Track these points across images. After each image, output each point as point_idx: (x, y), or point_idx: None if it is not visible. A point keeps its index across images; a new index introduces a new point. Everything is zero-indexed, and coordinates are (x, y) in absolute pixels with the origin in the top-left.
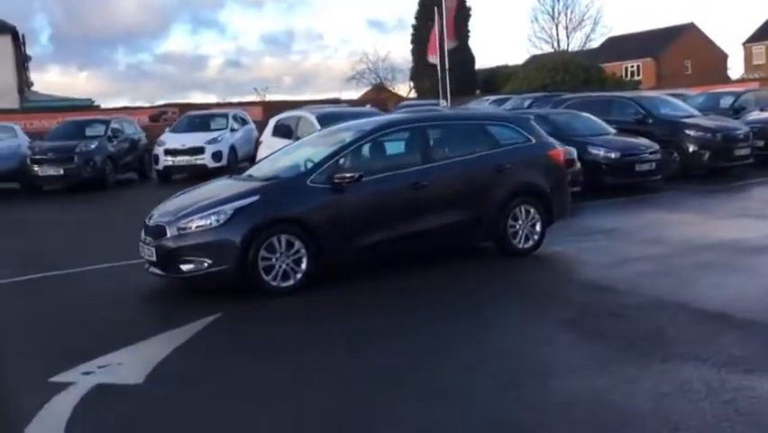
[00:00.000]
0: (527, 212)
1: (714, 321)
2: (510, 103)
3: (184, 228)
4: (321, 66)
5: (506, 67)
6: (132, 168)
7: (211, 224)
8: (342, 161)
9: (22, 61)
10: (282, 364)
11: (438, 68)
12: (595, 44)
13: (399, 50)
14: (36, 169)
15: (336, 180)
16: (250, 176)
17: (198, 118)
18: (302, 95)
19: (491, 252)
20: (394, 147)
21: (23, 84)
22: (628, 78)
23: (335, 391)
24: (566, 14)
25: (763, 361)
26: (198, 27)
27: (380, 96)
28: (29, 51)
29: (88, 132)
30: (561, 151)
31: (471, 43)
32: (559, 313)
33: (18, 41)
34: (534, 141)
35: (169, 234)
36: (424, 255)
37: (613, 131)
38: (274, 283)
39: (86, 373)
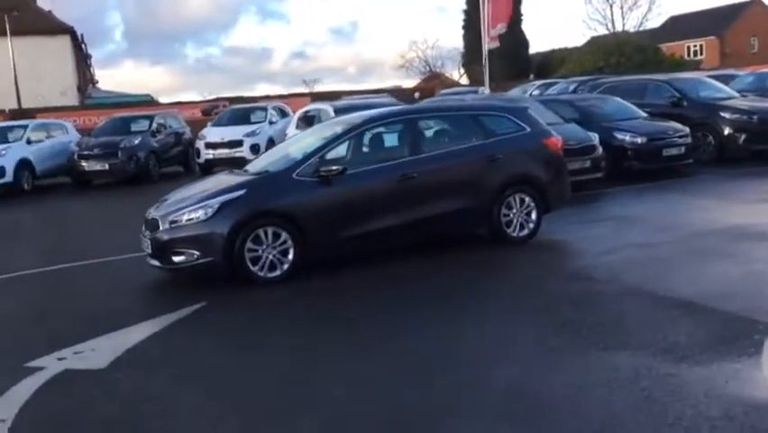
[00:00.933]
0: (522, 201)
1: (676, 309)
2: (556, 87)
3: (175, 221)
4: (385, 54)
5: (561, 50)
6: (177, 161)
7: (199, 217)
8: (328, 154)
9: (83, 60)
10: (245, 352)
11: (484, 53)
12: (652, 24)
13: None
14: (83, 164)
15: (322, 174)
16: (246, 170)
17: (239, 112)
18: (364, 84)
19: (486, 239)
20: (382, 140)
21: (87, 81)
22: (690, 57)
23: (282, 377)
24: None
25: (702, 348)
26: (265, 19)
27: (431, 83)
28: (104, 49)
29: (133, 127)
30: (557, 139)
31: (525, 27)
32: (528, 302)
33: (77, 41)
34: (528, 130)
35: (161, 228)
36: (416, 245)
37: (643, 115)
38: (261, 274)
39: (61, 359)
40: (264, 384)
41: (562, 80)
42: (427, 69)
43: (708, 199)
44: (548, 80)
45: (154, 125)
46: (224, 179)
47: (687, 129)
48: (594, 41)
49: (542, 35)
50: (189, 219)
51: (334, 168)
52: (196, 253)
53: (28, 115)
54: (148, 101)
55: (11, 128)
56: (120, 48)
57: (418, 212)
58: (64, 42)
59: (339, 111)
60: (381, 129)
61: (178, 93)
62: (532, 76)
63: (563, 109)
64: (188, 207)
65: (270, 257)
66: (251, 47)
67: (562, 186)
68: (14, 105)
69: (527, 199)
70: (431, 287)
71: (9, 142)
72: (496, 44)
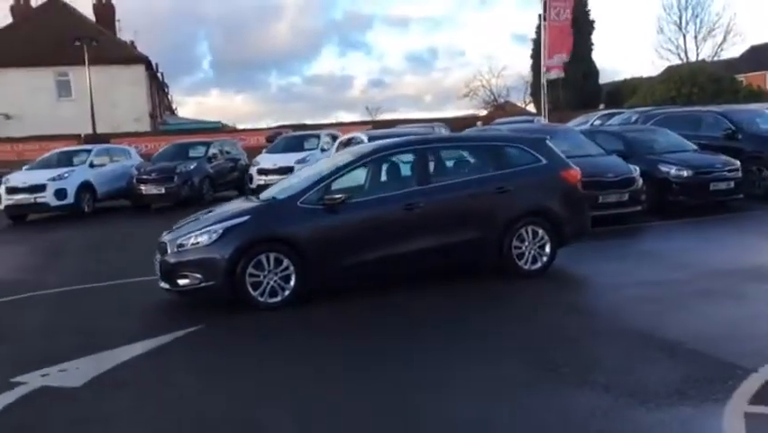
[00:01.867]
0: (535, 233)
1: (661, 351)
2: (619, 118)
3: (182, 245)
4: (461, 83)
5: (633, 80)
6: (232, 186)
7: (203, 242)
8: (335, 182)
9: (160, 88)
10: (217, 376)
11: (543, 83)
12: (729, 54)
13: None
14: (141, 188)
15: (326, 202)
16: (259, 197)
17: (294, 139)
18: (441, 112)
19: (498, 271)
20: (390, 169)
21: (164, 108)
22: None
23: (239, 402)
24: (695, 24)
25: (669, 392)
26: (346, 49)
27: (498, 112)
28: (193, 77)
29: (191, 153)
30: (575, 171)
31: (596, 56)
32: (521, 335)
33: (152, 71)
34: (544, 162)
35: (169, 251)
36: (426, 275)
37: (692, 147)
38: (261, 299)
39: (44, 375)
40: (216, 410)
41: (626, 111)
42: (492, 98)
43: (749, 236)
44: (612, 110)
45: (210, 152)
46: (235, 206)
47: (737, 163)
48: (669, 71)
49: (615, 64)
50: (195, 244)
51: (337, 196)
52: (200, 276)
53: (102, 140)
54: (218, 128)
55: (76, 152)
56: (207, 76)
57: (424, 242)
58: (139, 71)
59: (372, 139)
60: (390, 158)
61: (260, 120)
62: (602, 105)
63: (609, 140)
64: (195, 232)
65: (272, 283)
66: (332, 76)
67: (580, 219)
68: (90, 131)
69: (541, 232)
70: (426, 319)
71: (74, 165)
72: (558, 74)
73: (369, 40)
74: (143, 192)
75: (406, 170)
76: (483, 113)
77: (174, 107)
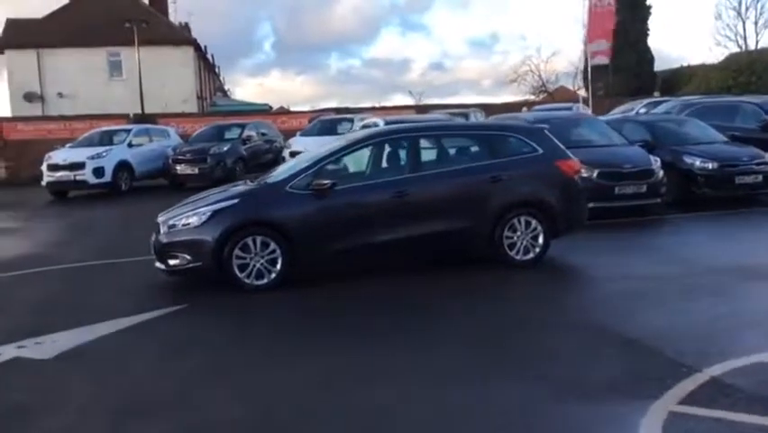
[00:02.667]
0: (527, 223)
1: (617, 346)
2: (664, 106)
3: (173, 226)
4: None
5: (690, 67)
6: (267, 167)
7: (193, 223)
8: (325, 168)
9: (209, 70)
10: (178, 355)
11: (581, 68)
12: None
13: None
14: (177, 168)
15: (314, 187)
16: (258, 181)
17: (328, 123)
18: (497, 97)
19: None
20: (382, 156)
21: (214, 90)
22: None
23: (190, 381)
24: (755, 9)
25: (608, 388)
26: (406, 31)
27: (547, 99)
28: (254, 58)
29: (227, 135)
30: (573, 162)
31: (652, 42)
32: (484, 324)
33: (201, 52)
34: (540, 151)
35: (162, 231)
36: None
37: (722, 139)
38: (248, 281)
39: (20, 347)
40: (161, 388)
41: (673, 99)
42: (540, 83)
43: (764, 233)
44: (658, 99)
45: (245, 134)
46: (231, 188)
47: (766, 155)
48: (728, 59)
49: (672, 51)
50: (185, 225)
51: (325, 182)
52: (188, 257)
53: (149, 119)
54: (265, 110)
55: (117, 132)
56: (269, 58)
57: (413, 230)
58: (188, 53)
59: (389, 124)
60: (381, 145)
61: (320, 102)
62: (657, 93)
63: (636, 130)
64: (186, 213)
65: (258, 265)
66: (391, 58)
67: (576, 210)
68: (139, 111)
69: (534, 222)
70: (396, 305)
71: (114, 144)
72: (602, 61)
73: (429, 22)
74: (178, 172)
75: (397, 158)
76: (535, 98)
77: (227, 89)
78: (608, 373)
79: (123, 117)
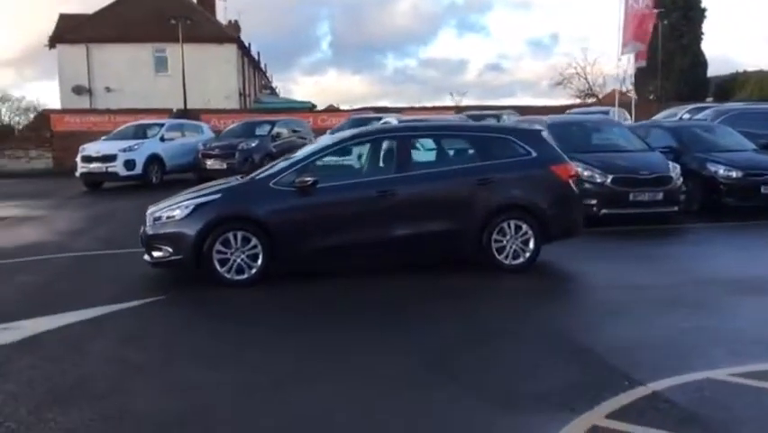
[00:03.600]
0: (517, 228)
1: (566, 357)
2: (707, 112)
3: (158, 218)
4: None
5: (745, 72)
6: None
7: (176, 216)
8: (310, 165)
9: (255, 68)
10: (133, 346)
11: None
12: None
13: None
14: (206, 162)
15: (297, 184)
16: (250, 177)
17: (359, 121)
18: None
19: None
20: (369, 155)
21: (259, 87)
22: None
23: (125, 373)
24: None
25: (539, 399)
26: (464, 31)
27: (595, 103)
28: (312, 57)
29: (257, 131)
30: (568, 166)
31: (706, 46)
32: (441, 329)
33: (244, 50)
34: (534, 155)
35: (147, 224)
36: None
37: (751, 147)
38: (228, 276)
39: None
40: (102, 377)
41: (717, 105)
42: (587, 86)
43: None
44: (701, 105)
45: (275, 131)
46: (220, 183)
47: None
48: None
49: (728, 56)
50: (169, 217)
51: (307, 179)
52: (170, 249)
53: (192, 115)
54: (308, 108)
55: (150, 126)
56: (326, 57)
57: (397, 230)
58: (231, 51)
59: (402, 123)
60: (368, 145)
61: (375, 101)
62: (710, 99)
63: (662, 136)
64: (170, 206)
65: (238, 261)
66: (447, 59)
67: (569, 216)
68: (182, 106)
69: (524, 227)
70: (373, 307)
71: (147, 138)
72: (640, 64)
73: (488, 23)
74: (207, 167)
75: (383, 157)
76: (581, 102)
77: (275, 86)
78: (548, 383)
79: (166, 112)
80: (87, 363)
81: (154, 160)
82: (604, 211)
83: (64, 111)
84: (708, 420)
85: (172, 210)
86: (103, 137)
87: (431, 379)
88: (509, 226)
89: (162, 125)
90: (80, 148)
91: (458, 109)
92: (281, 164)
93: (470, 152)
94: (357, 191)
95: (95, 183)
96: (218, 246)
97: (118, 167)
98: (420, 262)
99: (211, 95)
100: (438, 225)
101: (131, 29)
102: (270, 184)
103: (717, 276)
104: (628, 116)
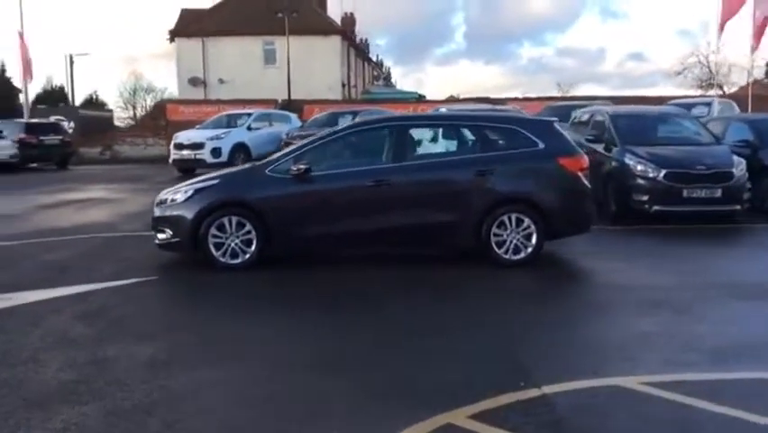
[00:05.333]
0: (519, 221)
1: (493, 357)
2: None
3: (163, 201)
4: (689, 58)
5: None
6: None
7: (177, 200)
8: (306, 153)
9: (363, 59)
10: (106, 324)
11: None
12: None
13: None
14: None
15: (291, 172)
16: (251, 164)
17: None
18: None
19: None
20: (367, 144)
21: (371, 78)
22: None
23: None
24: None
25: (418, 394)
26: (606, 19)
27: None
28: (444, 48)
29: (340, 121)
30: (576, 158)
31: None
32: (393, 322)
33: (350, 42)
34: (541, 146)
35: (155, 206)
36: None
37: None
38: (222, 259)
39: None
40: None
41: None
42: (710, 76)
43: None
44: None
45: (356, 120)
46: (227, 170)
47: None
48: None
49: None
50: (172, 201)
51: (300, 167)
52: (171, 232)
53: (296, 105)
54: (414, 98)
55: (240, 116)
56: (459, 47)
57: (391, 220)
58: (335, 42)
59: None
60: (368, 134)
61: (507, 91)
62: None
63: (740, 129)
64: (174, 190)
65: (233, 245)
66: (586, 47)
67: (578, 211)
68: (286, 97)
69: (527, 221)
70: (347, 295)
71: (236, 127)
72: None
73: (631, 9)
74: None
75: (382, 147)
76: (711, 92)
77: (392, 77)
78: (442, 379)
79: (272, 102)
80: (33, 334)
81: (240, 148)
82: (656, 208)
83: (178, 101)
84: (568, 429)
85: (175, 194)
86: (197, 126)
87: (327, 368)
88: (510, 220)
89: (250, 115)
90: (174, 136)
91: (563, 99)
92: (281, 152)
93: (472, 142)
94: (352, 180)
95: (186, 169)
96: (213, 230)
97: (205, 154)
98: (417, 252)
99: (314, 86)
100: (434, 217)
101: (243, 22)
102: (267, 171)
103: (731, 280)
104: (737, 109)
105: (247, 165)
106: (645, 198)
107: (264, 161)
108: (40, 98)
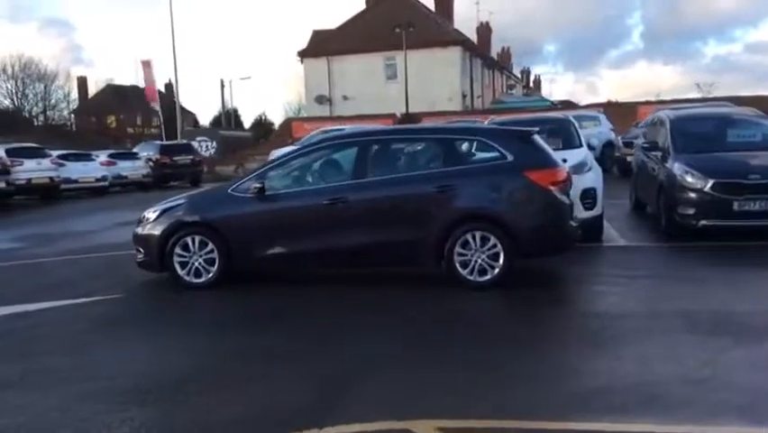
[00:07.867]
0: (484, 240)
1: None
2: None
3: (141, 220)
4: None
5: None
6: None
7: (149, 219)
8: (268, 173)
9: (490, 68)
10: (45, 340)
11: None
12: None
13: None
14: None
15: (252, 190)
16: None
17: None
18: None
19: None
20: (329, 162)
21: (504, 87)
22: None
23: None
24: None
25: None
26: None
27: None
28: (620, 50)
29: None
30: (549, 171)
31: None
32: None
33: (472, 51)
34: (509, 159)
35: (137, 225)
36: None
37: None
38: (187, 278)
39: None
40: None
41: None
42: None
43: None
44: None
45: None
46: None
47: None
48: None
49: None
50: (146, 219)
51: (256, 186)
52: (142, 251)
53: (414, 119)
54: (546, 106)
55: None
56: (636, 48)
57: (349, 239)
58: (454, 53)
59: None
60: (330, 151)
61: (684, 93)
62: None
63: None
64: (152, 209)
65: (197, 264)
66: None
67: (551, 227)
68: (404, 110)
69: (492, 239)
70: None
71: None
72: None
73: None
74: None
75: (343, 164)
76: None
77: (535, 85)
78: (239, 411)
79: (390, 117)
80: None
81: None
82: (703, 222)
83: (303, 119)
84: None
85: (149, 213)
86: (292, 143)
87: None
88: (474, 238)
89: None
90: (271, 152)
91: (703, 101)
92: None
93: (435, 156)
94: (308, 198)
95: None
96: (178, 249)
97: None
98: (378, 271)
99: (435, 97)
100: (393, 235)
101: (366, 40)
102: (229, 191)
103: (733, 310)
104: None
105: (217, 185)
106: (692, 211)
107: (231, 180)
108: (216, 121)
